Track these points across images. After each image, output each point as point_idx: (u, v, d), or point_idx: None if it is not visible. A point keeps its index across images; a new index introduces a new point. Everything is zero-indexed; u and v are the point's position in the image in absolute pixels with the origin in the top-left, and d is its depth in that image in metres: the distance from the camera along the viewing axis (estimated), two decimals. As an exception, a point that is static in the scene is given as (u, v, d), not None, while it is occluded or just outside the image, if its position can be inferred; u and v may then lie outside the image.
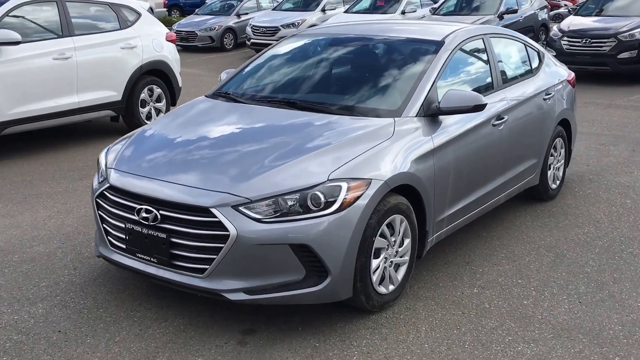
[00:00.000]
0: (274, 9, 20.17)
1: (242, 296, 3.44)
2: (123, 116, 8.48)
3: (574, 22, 13.37)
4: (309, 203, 3.41)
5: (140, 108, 8.50)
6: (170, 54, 8.95)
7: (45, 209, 5.56)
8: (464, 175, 4.40)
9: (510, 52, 5.54)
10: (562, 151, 6.07)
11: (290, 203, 3.41)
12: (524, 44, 5.70)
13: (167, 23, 22.60)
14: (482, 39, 5.03)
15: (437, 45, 4.58)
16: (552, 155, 5.86)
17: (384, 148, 3.80)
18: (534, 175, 5.56)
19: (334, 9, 19.19)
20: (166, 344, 3.50)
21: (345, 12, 17.83)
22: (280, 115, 4.24)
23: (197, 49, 19.16)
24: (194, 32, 19.32)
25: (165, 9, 26.70)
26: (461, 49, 4.76)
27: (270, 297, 3.45)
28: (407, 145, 3.92)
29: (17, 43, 6.91)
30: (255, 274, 3.43)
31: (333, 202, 3.43)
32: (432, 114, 4.17)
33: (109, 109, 8.19)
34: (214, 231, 3.39)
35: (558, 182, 6.05)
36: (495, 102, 4.82)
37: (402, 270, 3.99)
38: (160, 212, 3.52)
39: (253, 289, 3.44)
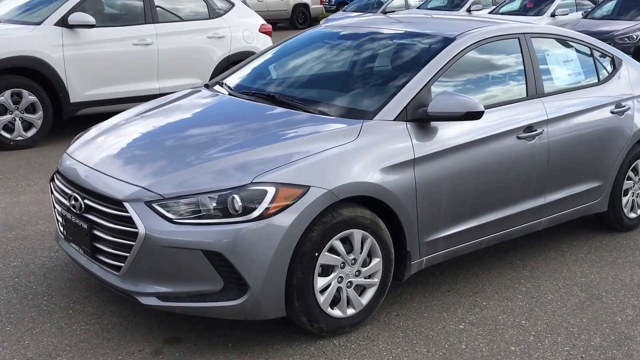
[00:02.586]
0: (418, 7, 19.64)
1: (154, 301, 3.12)
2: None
3: None
4: (228, 207, 3.02)
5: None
6: (263, 46, 8.80)
7: (75, 190, 5.58)
8: (470, 192, 3.76)
9: (564, 55, 4.72)
10: (648, 175, 5.11)
11: (209, 206, 3.05)
12: (591, 48, 4.84)
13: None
14: (519, 39, 4.30)
15: (445, 43, 3.96)
16: (629, 179, 4.94)
17: (340, 152, 3.29)
18: (600, 200, 4.72)
19: (480, 9, 18.31)
20: (79, 343, 3.26)
21: (491, 12, 16.94)
22: (243, 109, 3.89)
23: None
24: (335, 28, 19.21)
25: (321, 5, 26.86)
26: (482, 49, 4.09)
27: (184, 307, 3.11)
28: (375, 151, 3.38)
29: (91, 26, 7.04)
30: (169, 279, 3.09)
31: (254, 209, 3.02)
32: (418, 119, 3.59)
33: (192, 96, 8.19)
34: (127, 227, 3.11)
35: (640, 211, 5.11)
36: (526, 112, 4.11)
37: (369, 294, 3.46)
38: (85, 201, 3.31)
39: (166, 295, 3.11)
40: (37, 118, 6.90)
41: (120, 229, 3.12)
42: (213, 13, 8.33)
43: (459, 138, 3.67)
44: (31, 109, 6.87)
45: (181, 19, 8.03)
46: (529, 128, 4.04)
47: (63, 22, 6.94)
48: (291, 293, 3.14)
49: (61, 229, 3.60)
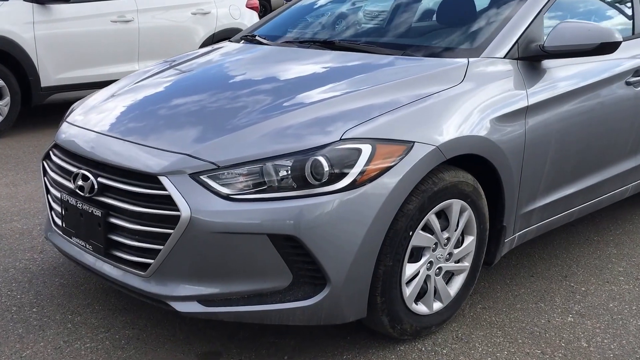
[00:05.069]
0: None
1: (195, 307, 2.30)
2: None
3: None
4: (307, 174, 2.22)
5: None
6: (250, 22, 8.02)
7: (55, 181, 4.71)
8: (573, 151, 3.03)
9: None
10: None
11: (281, 173, 2.24)
12: None
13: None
14: None
15: None
16: None
17: (444, 98, 2.52)
18: None
19: None
20: (88, 366, 2.44)
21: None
22: (302, 56, 3.09)
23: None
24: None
25: (284, -1, 25.96)
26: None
27: (237, 312, 2.30)
28: (484, 97, 2.63)
29: (67, 1, 6.19)
30: (216, 277, 2.28)
31: (344, 175, 2.23)
32: (532, 56, 2.84)
33: (175, 78, 7.35)
34: (162, 210, 2.27)
35: None
36: (634, 52, 3.38)
37: (458, 282, 2.71)
38: (99, 179, 2.46)
39: (212, 298, 2.30)
40: (4, 105, 5.98)
41: (152, 213, 2.28)
42: (198, -13, 7.50)
43: (569, 82, 2.93)
44: (-4, 94, 5.97)
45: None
46: (637, 72, 3.32)
47: (34, -3, 6.06)
48: (374, 286, 2.36)
49: (57, 219, 2.75)
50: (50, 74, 6.22)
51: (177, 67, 3.25)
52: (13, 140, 5.92)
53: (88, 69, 6.52)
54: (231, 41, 3.72)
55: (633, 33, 3.47)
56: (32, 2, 6.07)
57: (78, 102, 3.19)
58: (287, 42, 3.40)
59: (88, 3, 6.52)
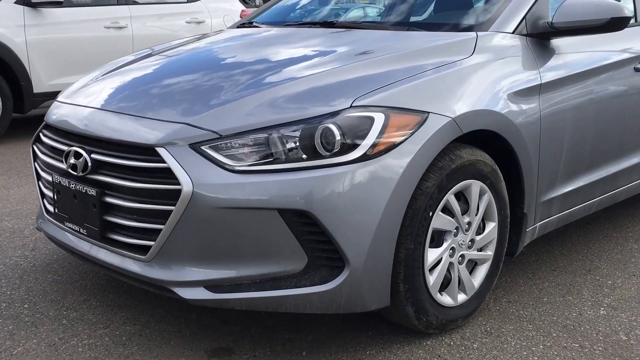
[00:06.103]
0: None
1: (202, 293, 2.11)
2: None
3: None
4: (317, 143, 2.04)
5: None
6: (245, 32, 7.89)
7: (48, 184, 4.51)
8: (589, 137, 2.88)
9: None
10: None
11: (288, 144, 2.06)
12: None
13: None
14: None
15: None
16: None
17: (456, 70, 2.36)
18: None
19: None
20: (85, 362, 2.23)
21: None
22: (303, 35, 2.94)
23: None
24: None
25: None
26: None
27: (248, 298, 2.10)
28: (496, 71, 2.47)
29: (59, 3, 6.04)
30: (226, 259, 2.09)
31: (356, 146, 2.05)
32: (540, 33, 2.69)
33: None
34: (161, 184, 2.09)
35: None
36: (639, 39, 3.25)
37: (482, 272, 2.52)
38: (93, 156, 2.28)
39: (220, 283, 2.11)
40: (-6, 110, 5.81)
41: (151, 188, 2.10)
42: (192, -4, 7.37)
43: (578, 64, 2.79)
44: (-13, 100, 5.78)
45: (157, 2, 7.06)
46: None
47: (25, 0, 5.88)
48: (396, 272, 2.17)
49: (49, 206, 2.56)
50: (42, 80, 6.04)
51: (173, 50, 3.08)
52: (5, 147, 5.72)
53: (82, 75, 6.31)
54: (229, 28, 3.57)
55: (636, 20, 3.34)
56: (23, 5, 5.91)
57: (67, 88, 3.02)
58: (286, 25, 3.25)
59: (81, 8, 6.38)
